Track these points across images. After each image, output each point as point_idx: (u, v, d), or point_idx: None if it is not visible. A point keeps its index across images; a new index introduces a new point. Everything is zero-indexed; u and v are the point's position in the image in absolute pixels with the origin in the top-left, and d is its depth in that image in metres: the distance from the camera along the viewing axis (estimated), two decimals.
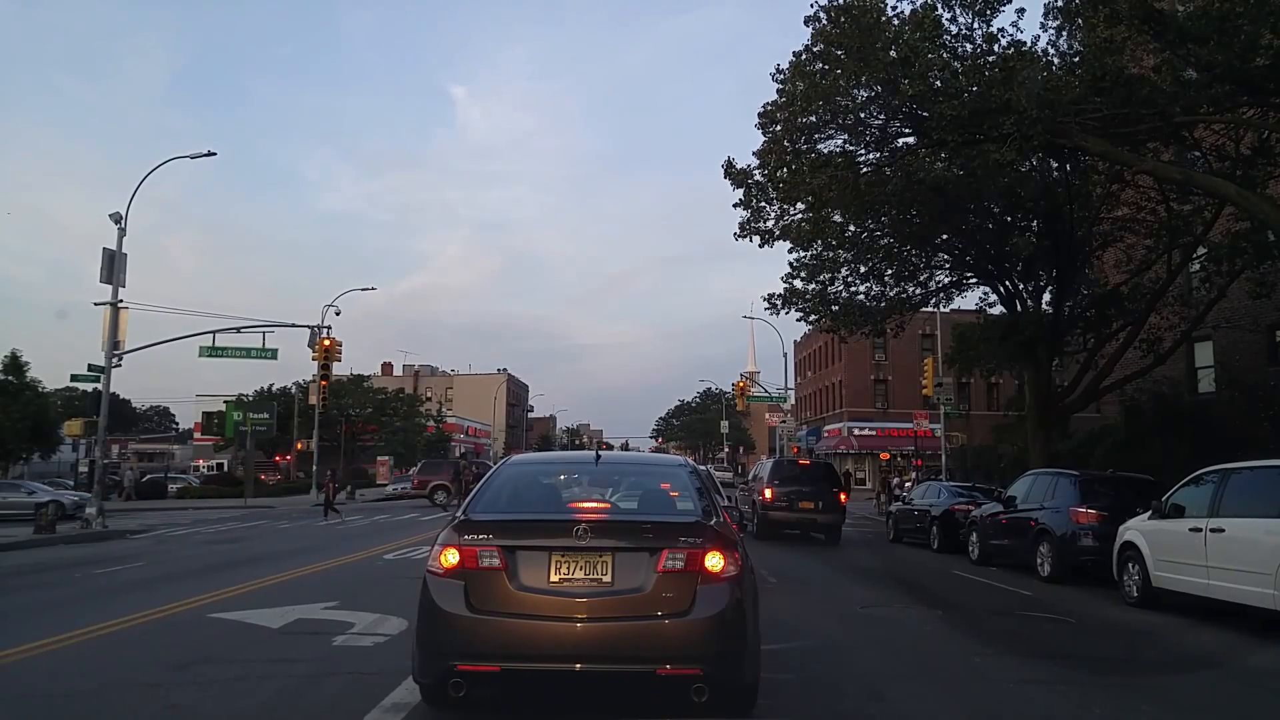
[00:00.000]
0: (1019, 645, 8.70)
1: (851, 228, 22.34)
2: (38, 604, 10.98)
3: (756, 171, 18.62)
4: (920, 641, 8.85)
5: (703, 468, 8.85)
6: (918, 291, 25.89)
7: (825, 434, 66.40)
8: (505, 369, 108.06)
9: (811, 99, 16.48)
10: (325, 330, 34.64)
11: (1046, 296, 24.17)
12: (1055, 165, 20.85)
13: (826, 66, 16.43)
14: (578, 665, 4.68)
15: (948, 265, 25.53)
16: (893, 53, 15.40)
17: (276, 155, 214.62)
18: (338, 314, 48.29)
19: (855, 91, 16.55)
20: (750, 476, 26.73)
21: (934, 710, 6.26)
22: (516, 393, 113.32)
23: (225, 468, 59.51)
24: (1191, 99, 14.68)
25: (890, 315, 25.76)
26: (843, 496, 21.97)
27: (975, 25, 15.92)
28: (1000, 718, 6.20)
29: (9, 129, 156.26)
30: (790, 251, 23.48)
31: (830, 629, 9.16)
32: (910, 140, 18.15)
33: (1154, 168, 17.18)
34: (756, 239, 20.07)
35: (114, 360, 25.22)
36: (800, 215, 19.54)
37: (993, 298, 25.52)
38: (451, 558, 4.89)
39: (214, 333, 30.04)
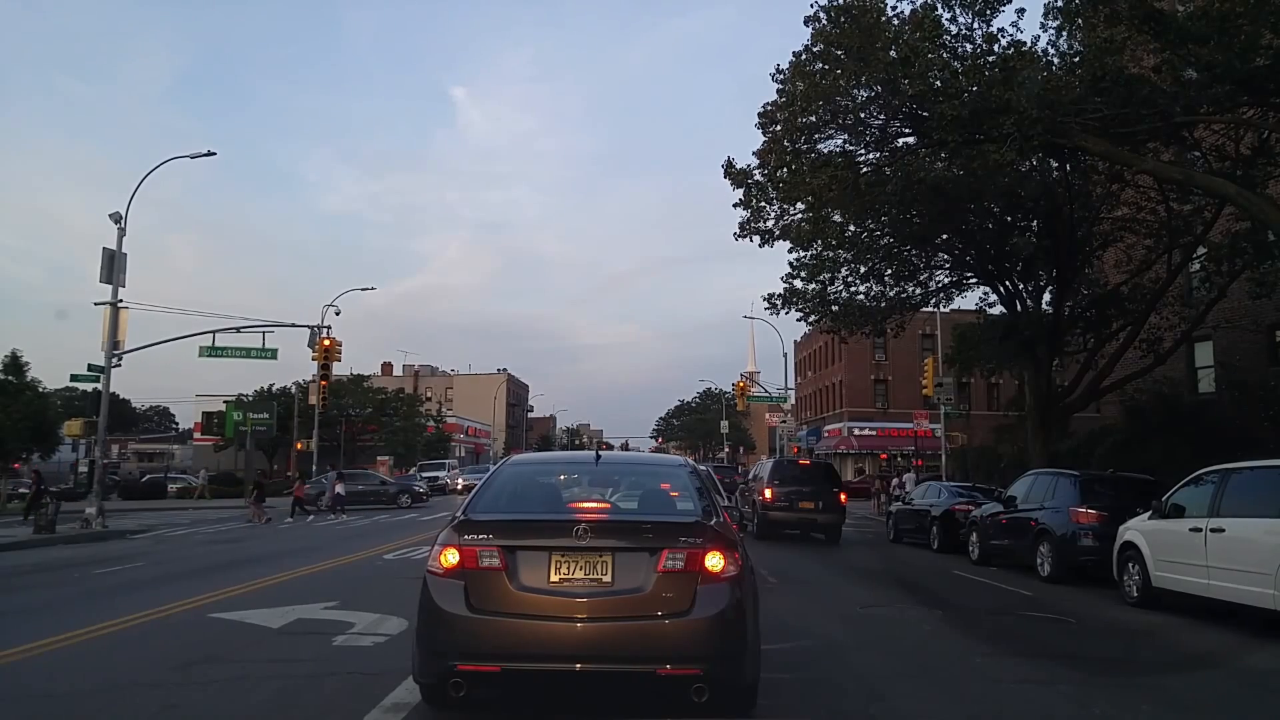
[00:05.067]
0: (1019, 645, 8.69)
1: (851, 228, 22.31)
2: (38, 604, 10.99)
3: (756, 171, 18.61)
4: (920, 641, 8.83)
5: (703, 467, 8.84)
6: (918, 291, 25.88)
7: (825, 434, 66.39)
8: (505, 369, 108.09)
9: (811, 99, 16.47)
10: (325, 330, 34.61)
11: (1046, 296, 24.18)
12: (1055, 165, 20.83)
13: (826, 66, 16.43)
14: (578, 665, 4.68)
15: (948, 265, 25.52)
16: (893, 53, 15.39)
17: (278, 156, 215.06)
18: (338, 314, 48.24)
19: (855, 91, 16.55)
20: (750, 476, 26.72)
21: (934, 710, 6.25)
22: (516, 393, 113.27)
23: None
24: (1191, 99, 14.67)
25: (890, 315, 25.76)
26: (843, 496, 21.99)
27: (975, 25, 15.93)
28: (1000, 718, 6.19)
29: (10, 129, 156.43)
30: (790, 251, 23.50)
31: (830, 629, 9.15)
32: (910, 140, 18.14)
33: (1154, 168, 17.18)
34: (756, 239, 20.09)
35: (114, 360, 25.23)
36: (800, 215, 19.52)
37: (993, 298, 25.53)
38: (451, 558, 4.89)
39: (214, 332, 30.06)
